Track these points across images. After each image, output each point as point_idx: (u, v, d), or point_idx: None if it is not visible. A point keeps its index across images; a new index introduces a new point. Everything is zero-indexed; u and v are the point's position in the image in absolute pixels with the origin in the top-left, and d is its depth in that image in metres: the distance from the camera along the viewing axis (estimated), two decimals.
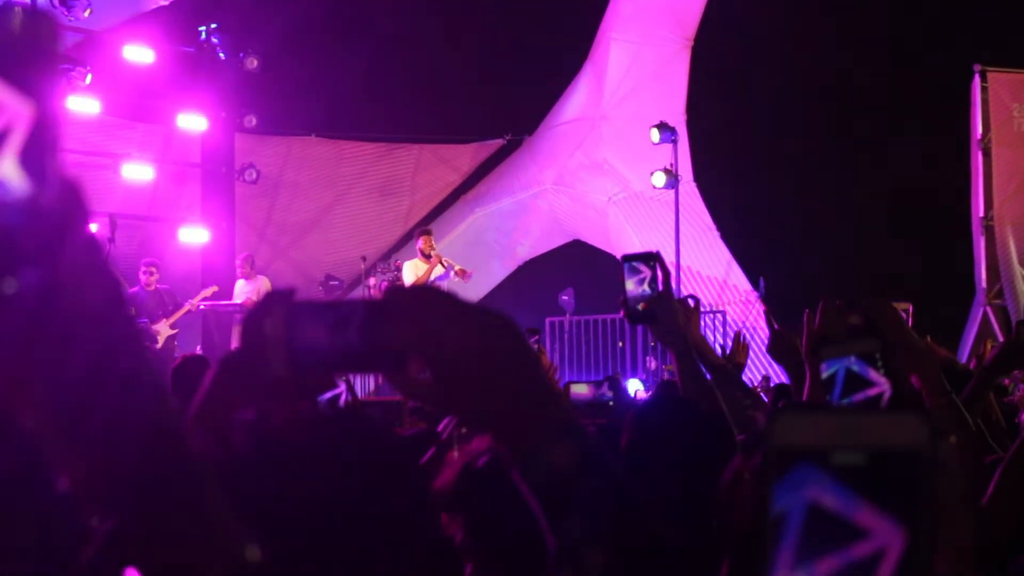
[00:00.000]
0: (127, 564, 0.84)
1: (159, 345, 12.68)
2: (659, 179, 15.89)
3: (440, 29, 18.20)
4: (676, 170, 15.87)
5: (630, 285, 2.91)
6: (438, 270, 13.21)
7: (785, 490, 0.70)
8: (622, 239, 18.05)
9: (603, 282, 12.67)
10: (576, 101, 19.10)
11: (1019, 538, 2.16)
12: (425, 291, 1.04)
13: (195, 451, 0.86)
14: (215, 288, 13.56)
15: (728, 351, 3.99)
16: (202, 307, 13.60)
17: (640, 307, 2.91)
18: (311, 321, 1.04)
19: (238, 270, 14.35)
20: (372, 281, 15.00)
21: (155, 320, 12.71)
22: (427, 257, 13.24)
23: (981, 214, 17.91)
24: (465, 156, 19.75)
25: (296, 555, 1.22)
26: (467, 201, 19.80)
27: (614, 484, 1.02)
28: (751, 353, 8.42)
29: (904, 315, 2.89)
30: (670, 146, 15.82)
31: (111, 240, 11.79)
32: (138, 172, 15.39)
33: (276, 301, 1.06)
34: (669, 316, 2.93)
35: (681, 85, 18.28)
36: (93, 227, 0.86)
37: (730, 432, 2.58)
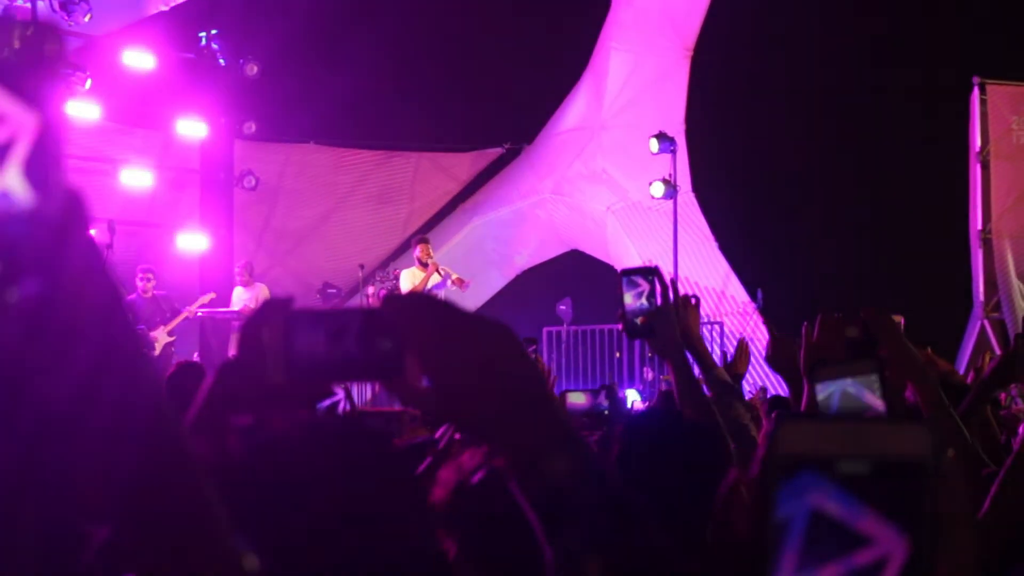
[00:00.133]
0: (125, 571, 0.84)
1: (156, 352, 12.64)
2: (657, 189, 15.88)
3: (439, 38, 18.22)
4: (675, 180, 15.87)
5: (628, 299, 2.92)
6: (435, 279, 13.21)
7: (788, 497, 0.71)
8: (620, 249, 18.04)
9: (601, 292, 12.68)
10: (575, 111, 19.10)
11: (1014, 552, 2.16)
12: (423, 300, 1.04)
13: (193, 459, 0.86)
14: (213, 295, 13.53)
15: (730, 358, 3.97)
16: (200, 314, 13.58)
17: (639, 321, 2.92)
18: (309, 329, 1.04)
19: (236, 277, 14.34)
20: (371, 290, 15.01)
21: (152, 327, 12.67)
22: (424, 265, 13.25)
23: (979, 227, 17.91)
24: (464, 164, 19.74)
25: (292, 563, 1.22)
26: (465, 210, 19.79)
27: (613, 494, 1.02)
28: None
29: None
30: (669, 156, 15.82)
31: (110, 246, 11.77)
32: (137, 178, 15.38)
33: (274, 309, 1.06)
34: (668, 330, 2.93)
35: (680, 95, 18.28)
36: (92, 232, 0.86)
37: (725, 443, 2.58)
